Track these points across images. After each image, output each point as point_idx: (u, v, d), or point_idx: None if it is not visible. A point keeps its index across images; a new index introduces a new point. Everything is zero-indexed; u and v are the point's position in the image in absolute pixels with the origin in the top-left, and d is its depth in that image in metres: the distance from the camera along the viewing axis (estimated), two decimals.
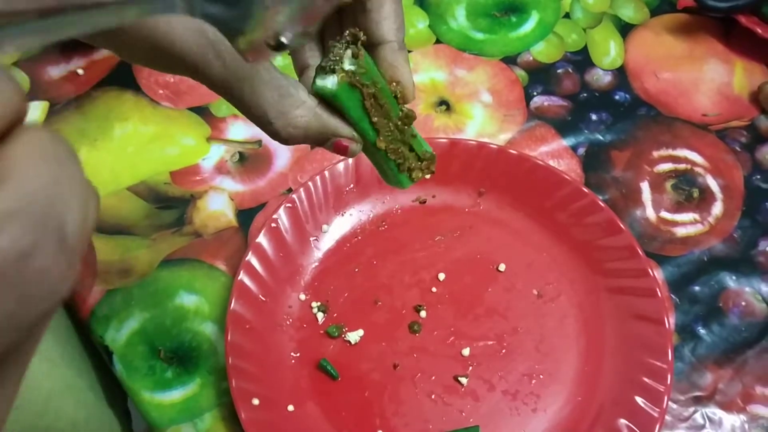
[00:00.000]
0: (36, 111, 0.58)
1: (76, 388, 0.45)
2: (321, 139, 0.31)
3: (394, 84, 0.32)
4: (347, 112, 0.31)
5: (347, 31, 0.30)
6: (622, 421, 0.43)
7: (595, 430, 0.43)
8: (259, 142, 0.57)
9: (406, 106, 0.33)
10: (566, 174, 0.51)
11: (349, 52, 0.30)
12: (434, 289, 0.49)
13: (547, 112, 0.58)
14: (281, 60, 0.59)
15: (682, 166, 0.55)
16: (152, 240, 0.52)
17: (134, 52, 0.28)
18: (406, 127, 0.33)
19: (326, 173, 0.51)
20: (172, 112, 0.58)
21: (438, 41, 0.63)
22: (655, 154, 0.56)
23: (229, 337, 0.45)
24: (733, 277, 0.50)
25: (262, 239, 0.48)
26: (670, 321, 0.46)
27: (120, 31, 0.27)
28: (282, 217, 0.49)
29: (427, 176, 0.35)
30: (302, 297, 0.49)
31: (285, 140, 0.30)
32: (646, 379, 0.43)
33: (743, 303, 0.49)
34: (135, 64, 0.30)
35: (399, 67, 0.31)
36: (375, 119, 0.31)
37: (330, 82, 0.30)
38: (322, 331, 0.47)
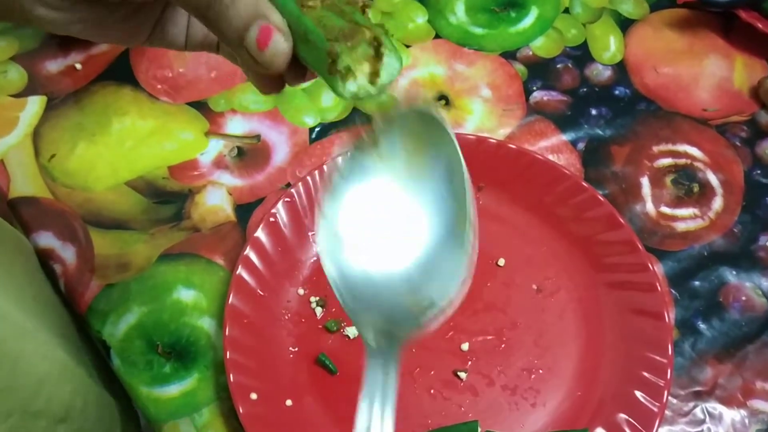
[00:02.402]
0: (34, 106, 0.58)
1: (74, 375, 0.45)
2: (247, 17, 0.26)
3: None
4: None
5: None
6: (622, 415, 0.42)
7: (595, 425, 0.43)
8: (257, 137, 0.56)
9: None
10: (566, 169, 0.51)
11: None
12: None
13: (546, 107, 0.58)
14: None
15: (682, 161, 0.55)
16: (150, 235, 0.52)
17: None
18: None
19: (325, 168, 0.51)
20: (170, 107, 0.58)
21: (437, 36, 0.62)
22: (655, 149, 0.56)
23: (227, 332, 0.44)
24: (734, 272, 0.50)
25: (261, 234, 0.48)
26: (670, 316, 0.45)
27: None
28: (280, 211, 0.49)
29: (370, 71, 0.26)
30: (301, 291, 0.49)
31: (207, 5, 0.26)
32: (645, 374, 0.43)
33: (743, 298, 0.49)
34: None
35: None
36: None
37: None
38: (320, 326, 0.47)
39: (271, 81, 0.31)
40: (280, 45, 0.26)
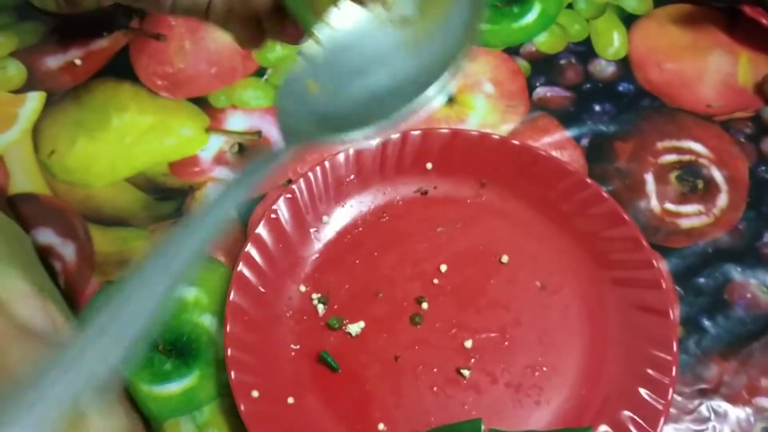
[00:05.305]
0: (33, 102, 0.58)
1: None
2: None
3: None
4: None
5: None
6: (627, 413, 0.42)
7: (599, 423, 0.42)
8: (258, 133, 0.56)
9: None
10: (569, 165, 0.50)
11: None
12: (436, 281, 0.48)
13: (549, 103, 0.57)
14: None
15: (687, 157, 0.55)
16: (150, 231, 0.52)
17: None
18: None
19: (326, 164, 0.50)
20: (170, 103, 0.58)
21: None
22: (659, 145, 0.55)
23: (228, 329, 0.44)
24: (739, 269, 0.49)
25: (262, 230, 0.48)
26: (675, 313, 0.45)
27: None
28: (281, 208, 0.49)
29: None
30: (302, 288, 0.48)
31: None
32: (650, 371, 0.43)
33: (749, 295, 0.48)
34: None
35: None
36: None
37: None
38: (322, 323, 0.47)
39: (254, 30, 0.33)
40: None
